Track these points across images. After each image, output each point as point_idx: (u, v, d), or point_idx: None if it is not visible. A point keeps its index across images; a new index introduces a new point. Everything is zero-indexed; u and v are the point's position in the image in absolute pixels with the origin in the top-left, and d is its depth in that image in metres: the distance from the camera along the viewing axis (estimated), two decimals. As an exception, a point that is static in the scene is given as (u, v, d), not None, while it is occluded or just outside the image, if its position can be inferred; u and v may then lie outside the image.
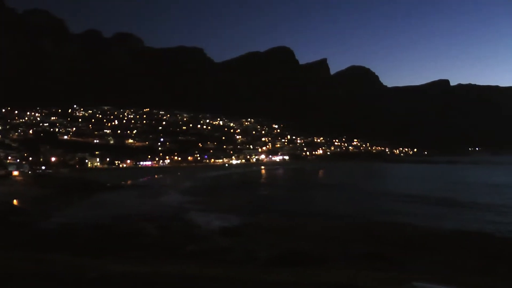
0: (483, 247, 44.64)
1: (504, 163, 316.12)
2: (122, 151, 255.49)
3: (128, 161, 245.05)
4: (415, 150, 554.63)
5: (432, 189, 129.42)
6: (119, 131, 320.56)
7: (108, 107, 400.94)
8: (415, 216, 76.01)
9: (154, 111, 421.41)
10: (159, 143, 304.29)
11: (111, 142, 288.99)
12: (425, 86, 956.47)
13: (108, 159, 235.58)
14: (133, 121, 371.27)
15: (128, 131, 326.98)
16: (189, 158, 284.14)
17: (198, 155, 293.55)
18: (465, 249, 43.30)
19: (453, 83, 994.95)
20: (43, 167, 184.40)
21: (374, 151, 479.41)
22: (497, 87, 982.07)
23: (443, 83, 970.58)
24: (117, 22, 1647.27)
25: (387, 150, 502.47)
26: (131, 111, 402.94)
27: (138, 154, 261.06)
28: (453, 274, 30.28)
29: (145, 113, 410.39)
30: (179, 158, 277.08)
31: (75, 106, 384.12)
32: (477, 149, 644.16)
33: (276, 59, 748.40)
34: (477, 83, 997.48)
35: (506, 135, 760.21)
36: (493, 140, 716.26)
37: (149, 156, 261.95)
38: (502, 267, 35.06)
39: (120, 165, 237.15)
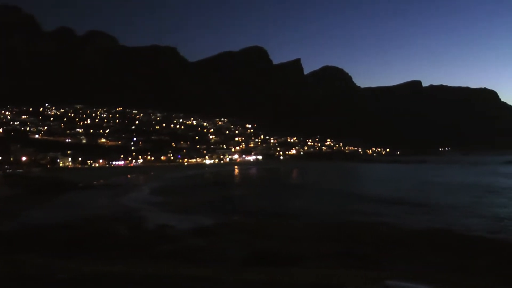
0: (454, 245, 45.24)
1: (475, 163, 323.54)
2: (95, 151, 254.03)
3: (101, 160, 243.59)
4: (388, 150, 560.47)
5: (401, 190, 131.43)
6: (91, 130, 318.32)
7: (81, 106, 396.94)
8: (386, 216, 77.12)
9: (127, 110, 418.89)
10: (132, 143, 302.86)
11: (84, 141, 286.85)
12: (398, 86, 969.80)
13: (80, 159, 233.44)
14: (105, 120, 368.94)
15: (101, 130, 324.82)
16: (163, 157, 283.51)
17: (171, 155, 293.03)
18: (437, 247, 43.81)
19: (425, 84, 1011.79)
20: (13, 167, 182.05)
21: (347, 151, 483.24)
22: (467, 88, 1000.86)
23: (415, 84, 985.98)
24: (90, 20, 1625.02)
25: (360, 150, 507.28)
26: (103, 110, 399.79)
27: (110, 153, 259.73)
28: (426, 272, 30.69)
29: (118, 112, 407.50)
30: (152, 158, 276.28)
31: (46, 104, 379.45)
32: (447, 149, 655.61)
33: (250, 59, 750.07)
34: (448, 84, 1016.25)
35: (475, 135, 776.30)
36: (463, 140, 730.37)
37: (122, 156, 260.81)
38: (473, 264, 35.58)
39: (93, 165, 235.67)
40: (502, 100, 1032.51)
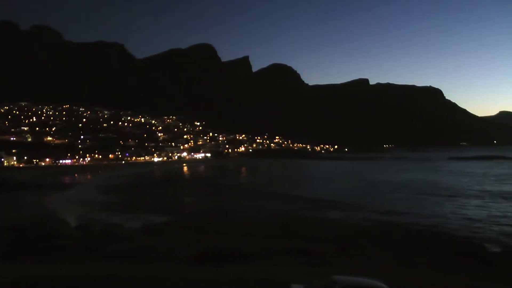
0: (400, 240, 46.54)
1: (421, 160, 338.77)
2: (41, 149, 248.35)
3: (47, 159, 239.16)
4: (336, 147, 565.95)
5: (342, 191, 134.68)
6: (37, 128, 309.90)
7: (26, 103, 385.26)
8: (332, 213, 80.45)
9: (74, 107, 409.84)
10: (79, 141, 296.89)
11: (29, 139, 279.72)
12: (345, 84, 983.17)
13: (25, 157, 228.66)
14: (52, 118, 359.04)
15: (47, 128, 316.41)
16: (110, 156, 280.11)
17: (119, 153, 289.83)
18: (383, 242, 45.00)
19: (372, 82, 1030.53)
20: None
21: (295, 148, 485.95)
22: (413, 86, 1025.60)
23: (363, 82, 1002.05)
24: (34, 14, 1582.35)
25: (308, 147, 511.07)
26: (49, 108, 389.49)
27: (57, 152, 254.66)
28: (372, 266, 31.73)
29: (65, 109, 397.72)
30: (100, 156, 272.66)
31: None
32: (391, 145, 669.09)
33: (198, 56, 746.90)
34: (395, 82, 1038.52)
35: (420, 132, 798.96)
36: (408, 137, 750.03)
37: (69, 154, 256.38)
38: (417, 257, 37.27)
39: (39, 164, 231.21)
40: (446, 98, 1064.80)
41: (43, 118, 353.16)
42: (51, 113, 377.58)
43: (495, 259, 37.67)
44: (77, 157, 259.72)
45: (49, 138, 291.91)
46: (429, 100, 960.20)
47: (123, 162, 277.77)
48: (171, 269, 27.64)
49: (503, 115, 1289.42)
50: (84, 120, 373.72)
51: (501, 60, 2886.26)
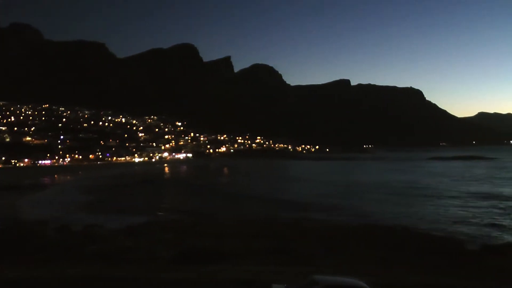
0: (380, 239, 46.60)
1: (401, 160, 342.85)
2: (19, 150, 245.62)
3: (26, 160, 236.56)
4: (317, 147, 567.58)
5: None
6: (15, 128, 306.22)
7: (4, 102, 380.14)
8: (313, 213, 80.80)
9: (54, 107, 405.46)
10: (59, 141, 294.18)
11: (7, 139, 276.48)
12: (327, 85, 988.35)
13: (3, 158, 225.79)
14: (31, 118, 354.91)
15: (26, 128, 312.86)
16: (91, 156, 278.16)
17: (100, 153, 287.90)
18: (363, 241, 44.89)
19: (353, 83, 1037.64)
20: None
21: (277, 148, 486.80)
22: (394, 87, 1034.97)
23: (344, 83, 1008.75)
24: (14, 12, 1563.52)
25: (290, 147, 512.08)
26: (28, 107, 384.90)
27: (36, 152, 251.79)
28: (353, 265, 31.62)
29: (44, 109, 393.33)
30: (80, 157, 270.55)
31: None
32: (370, 146, 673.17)
33: (180, 56, 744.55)
34: (376, 83, 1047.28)
35: (400, 132, 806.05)
36: (387, 137, 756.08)
37: (49, 155, 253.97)
38: (398, 256, 37.07)
39: (17, 164, 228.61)
40: (427, 99, 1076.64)
41: (21, 117, 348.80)
42: (30, 112, 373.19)
43: (474, 256, 38.06)
44: (56, 157, 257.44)
45: (28, 138, 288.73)
46: (409, 101, 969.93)
47: (104, 162, 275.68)
48: (151, 270, 27.43)
49: (482, 116, 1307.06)
50: (64, 120, 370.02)
51: (480, 63, 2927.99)
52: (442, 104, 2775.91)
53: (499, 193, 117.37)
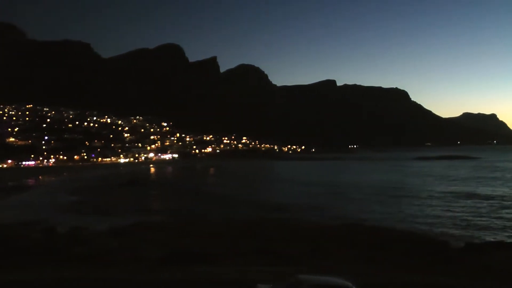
0: (365, 238, 46.68)
1: (386, 159, 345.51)
2: (3, 150, 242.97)
3: (9, 161, 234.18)
4: (303, 147, 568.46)
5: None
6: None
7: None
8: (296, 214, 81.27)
9: (38, 107, 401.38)
10: (43, 142, 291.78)
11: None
12: (313, 85, 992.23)
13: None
14: (14, 118, 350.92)
15: (9, 129, 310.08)
16: (76, 157, 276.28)
17: (85, 154, 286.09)
18: (348, 241, 45.10)
19: (339, 83, 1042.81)
20: None
21: (263, 148, 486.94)
22: (380, 88, 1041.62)
23: (330, 83, 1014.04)
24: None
25: (275, 147, 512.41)
26: (12, 107, 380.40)
27: (20, 153, 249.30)
28: (338, 264, 31.70)
29: (28, 109, 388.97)
30: (65, 158, 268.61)
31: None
32: (355, 146, 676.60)
33: (166, 56, 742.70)
34: (362, 84, 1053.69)
35: (386, 132, 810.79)
36: (373, 137, 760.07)
37: (33, 156, 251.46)
38: (382, 255, 37.22)
39: (1, 166, 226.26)
40: (412, 99, 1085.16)
41: (5, 118, 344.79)
42: (13, 113, 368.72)
43: (458, 254, 38.51)
44: (41, 158, 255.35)
45: (12, 139, 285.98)
46: (395, 102, 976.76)
47: (89, 163, 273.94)
48: (137, 271, 27.27)
49: (466, 116, 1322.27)
50: (49, 120, 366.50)
51: (465, 64, 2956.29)
52: (427, 105, 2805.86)
53: (481, 192, 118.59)
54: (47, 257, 36.02)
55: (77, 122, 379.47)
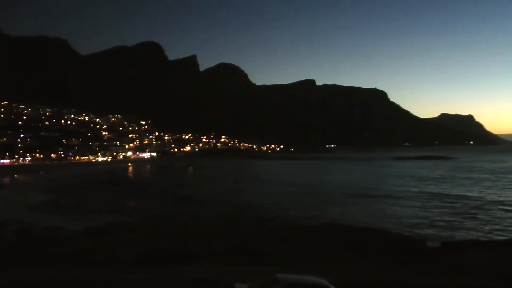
0: (342, 237, 46.52)
1: (364, 159, 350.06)
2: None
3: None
4: (282, 146, 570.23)
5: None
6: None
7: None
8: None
9: (13, 104, 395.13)
10: (19, 140, 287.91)
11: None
12: (293, 85, 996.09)
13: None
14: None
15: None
16: (53, 155, 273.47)
17: (62, 152, 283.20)
18: (326, 240, 44.95)
19: (319, 83, 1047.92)
20: None
21: (242, 147, 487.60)
22: (359, 88, 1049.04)
23: (309, 83, 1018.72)
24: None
25: (255, 146, 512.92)
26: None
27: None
28: (315, 263, 32.05)
29: (3, 106, 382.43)
30: (42, 156, 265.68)
31: None
32: (333, 146, 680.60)
33: (145, 54, 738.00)
34: (341, 84, 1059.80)
35: (362, 132, 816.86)
36: (352, 137, 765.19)
37: (8, 154, 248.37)
38: (360, 254, 37.61)
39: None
40: (390, 100, 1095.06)
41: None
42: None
43: (434, 253, 38.93)
44: (16, 156, 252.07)
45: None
46: (374, 102, 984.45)
47: (66, 162, 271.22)
48: (113, 271, 26.98)
49: (444, 117, 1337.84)
50: (25, 117, 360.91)
51: (442, 66, 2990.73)
52: (406, 105, 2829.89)
53: (458, 193, 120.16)
54: (21, 258, 35.63)
55: (54, 120, 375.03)
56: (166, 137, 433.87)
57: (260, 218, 70.18)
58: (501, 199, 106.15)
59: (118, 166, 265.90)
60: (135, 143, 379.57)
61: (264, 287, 17.12)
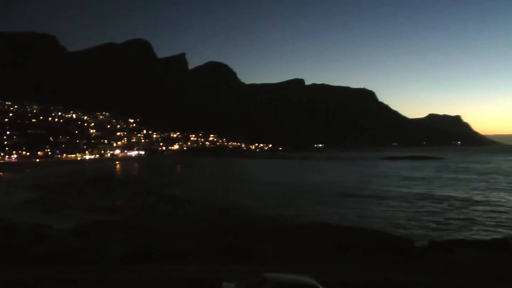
0: (330, 238, 46.16)
1: (353, 159, 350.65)
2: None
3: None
4: (270, 145, 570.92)
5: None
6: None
7: None
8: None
9: (0, 101, 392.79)
10: (5, 137, 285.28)
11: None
12: (282, 84, 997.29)
13: None
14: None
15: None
16: (39, 153, 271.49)
17: (49, 150, 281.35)
18: (314, 239, 44.94)
19: (308, 82, 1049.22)
20: None
21: (230, 146, 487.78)
22: (347, 88, 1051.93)
23: (298, 82, 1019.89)
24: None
25: (243, 145, 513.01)
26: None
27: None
28: (304, 262, 32.00)
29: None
30: (28, 153, 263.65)
31: None
32: (322, 145, 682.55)
33: (133, 51, 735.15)
34: (330, 84, 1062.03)
35: (351, 132, 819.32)
36: (340, 137, 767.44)
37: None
38: (348, 254, 37.60)
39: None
40: (379, 100, 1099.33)
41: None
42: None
43: (421, 253, 39.30)
44: (2, 154, 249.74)
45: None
46: (363, 102, 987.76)
47: (53, 159, 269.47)
48: (101, 270, 26.54)
49: (432, 117, 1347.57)
50: (11, 114, 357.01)
51: (430, 67, 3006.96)
52: (394, 106, 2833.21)
53: (445, 193, 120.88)
54: (7, 257, 34.24)
55: (41, 117, 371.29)
56: (154, 135, 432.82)
57: (249, 218, 70.49)
58: (488, 199, 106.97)
59: (105, 164, 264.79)
60: (123, 141, 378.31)
61: (252, 286, 16.98)
